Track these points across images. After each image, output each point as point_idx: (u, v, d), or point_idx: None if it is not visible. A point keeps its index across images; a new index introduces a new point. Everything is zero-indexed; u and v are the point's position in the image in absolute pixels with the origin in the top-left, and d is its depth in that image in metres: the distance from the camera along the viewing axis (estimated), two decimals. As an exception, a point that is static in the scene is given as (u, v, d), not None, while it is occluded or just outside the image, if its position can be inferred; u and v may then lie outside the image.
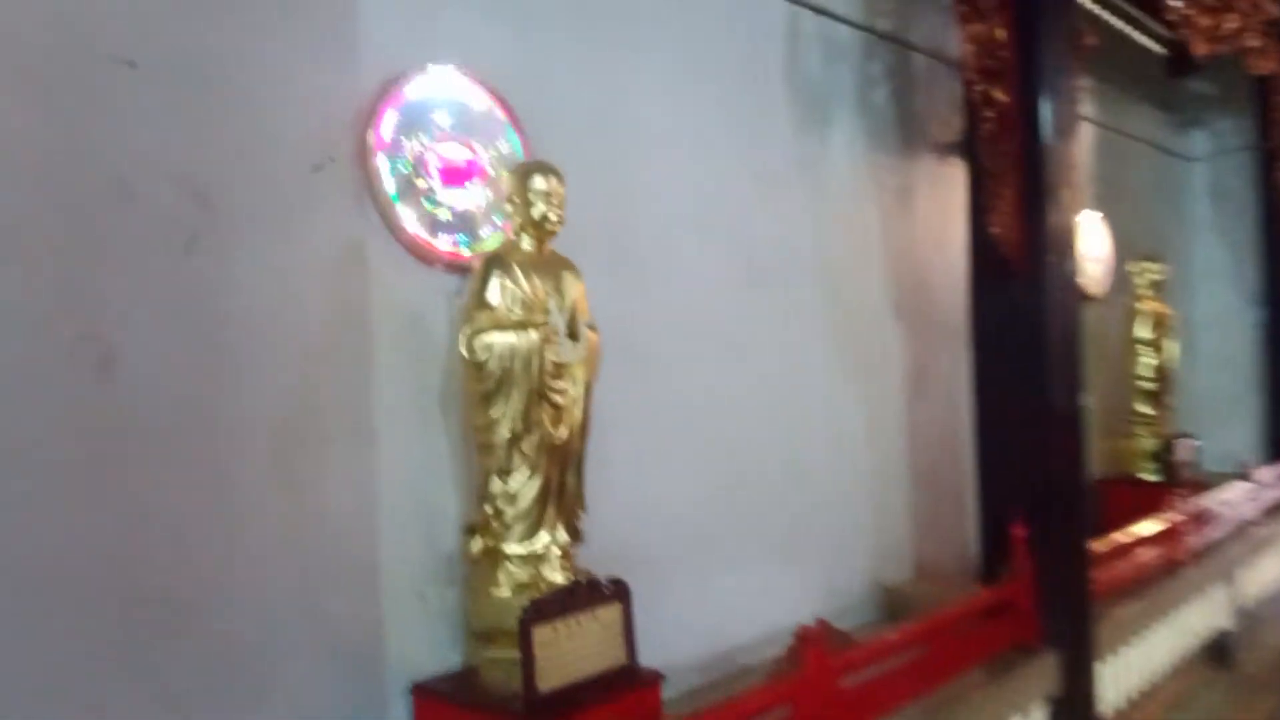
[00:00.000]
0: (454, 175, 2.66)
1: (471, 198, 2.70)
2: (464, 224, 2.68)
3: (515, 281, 2.38)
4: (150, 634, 2.13)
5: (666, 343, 3.40)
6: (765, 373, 3.78)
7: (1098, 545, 4.24)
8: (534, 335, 2.31)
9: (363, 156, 2.50)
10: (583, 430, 2.47)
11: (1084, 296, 5.97)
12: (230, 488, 2.27)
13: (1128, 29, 6.79)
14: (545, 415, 2.35)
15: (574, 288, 2.48)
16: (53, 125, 2.05)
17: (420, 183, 2.60)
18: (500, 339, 2.29)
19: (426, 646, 2.56)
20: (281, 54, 2.39)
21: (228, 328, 2.28)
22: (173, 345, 2.18)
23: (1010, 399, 3.87)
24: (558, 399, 2.36)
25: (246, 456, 2.30)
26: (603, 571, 2.50)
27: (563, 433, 2.39)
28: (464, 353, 2.31)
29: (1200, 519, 5.30)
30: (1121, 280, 6.13)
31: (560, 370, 2.37)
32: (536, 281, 2.42)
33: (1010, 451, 3.87)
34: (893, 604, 4.22)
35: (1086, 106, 6.20)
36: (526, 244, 2.46)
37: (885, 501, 4.36)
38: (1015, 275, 3.79)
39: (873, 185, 4.35)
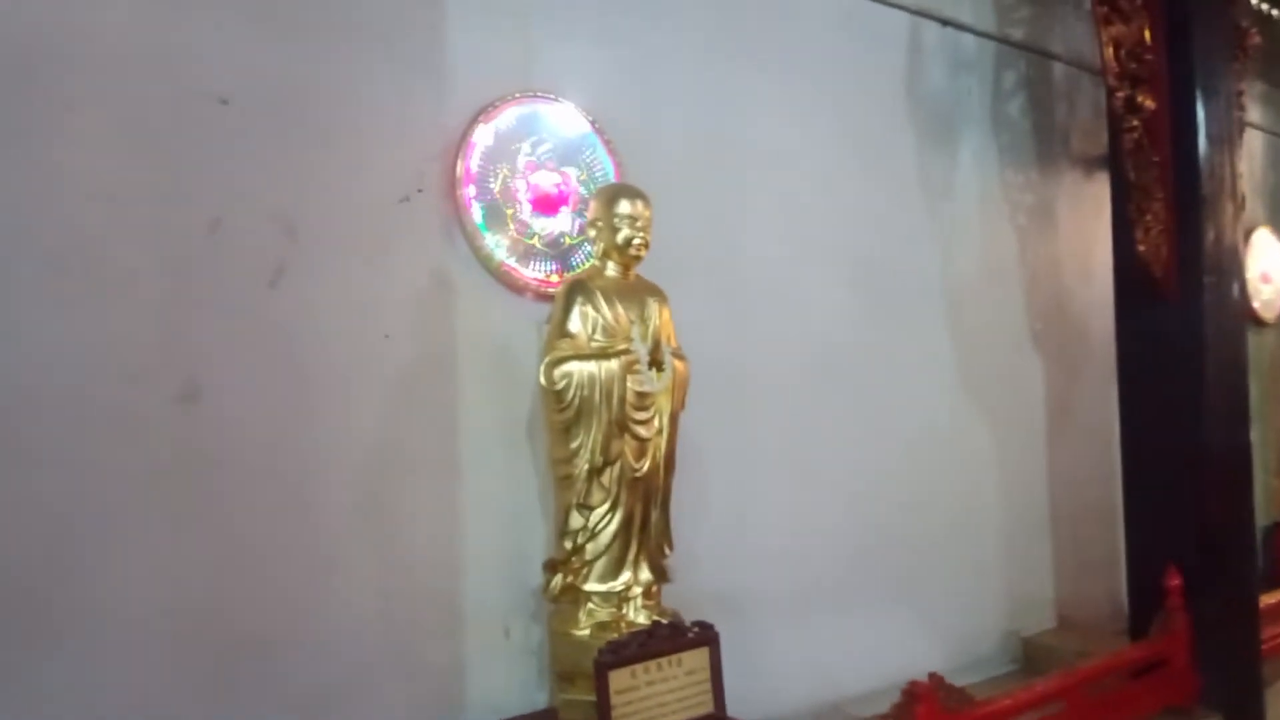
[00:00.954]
0: (545, 203, 2.62)
1: (563, 225, 2.65)
2: (556, 251, 2.63)
3: (597, 308, 2.30)
4: (239, 676, 2.14)
5: (776, 374, 3.25)
6: (885, 406, 3.57)
7: (1270, 598, 3.78)
8: (615, 364, 2.23)
9: (451, 187, 2.49)
10: (668, 464, 2.36)
11: (1254, 321, 5.44)
12: (316, 524, 2.27)
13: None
14: (627, 447, 2.25)
15: (659, 315, 2.38)
16: (151, 165, 2.12)
17: (510, 211, 2.56)
18: (580, 367, 2.21)
19: (512, 685, 2.49)
20: (370, 85, 2.41)
21: (314, 360, 2.29)
22: (257, 379, 2.20)
23: (1161, 436, 3.50)
24: (640, 430, 2.26)
25: (332, 492, 2.30)
26: (699, 615, 2.38)
27: (645, 466, 2.28)
28: (542, 381, 2.24)
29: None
30: (1302, 303, 5.54)
31: (643, 400, 2.27)
32: (620, 308, 2.33)
33: (1161, 494, 3.50)
34: (1032, 657, 3.88)
35: (1256, 113, 5.67)
36: (611, 270, 2.38)
37: (1024, 545, 4.03)
38: (1166, 298, 3.44)
39: (1006, 204, 4.07)
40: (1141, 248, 3.39)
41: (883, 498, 3.53)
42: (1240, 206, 3.72)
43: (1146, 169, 3.39)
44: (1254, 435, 5.58)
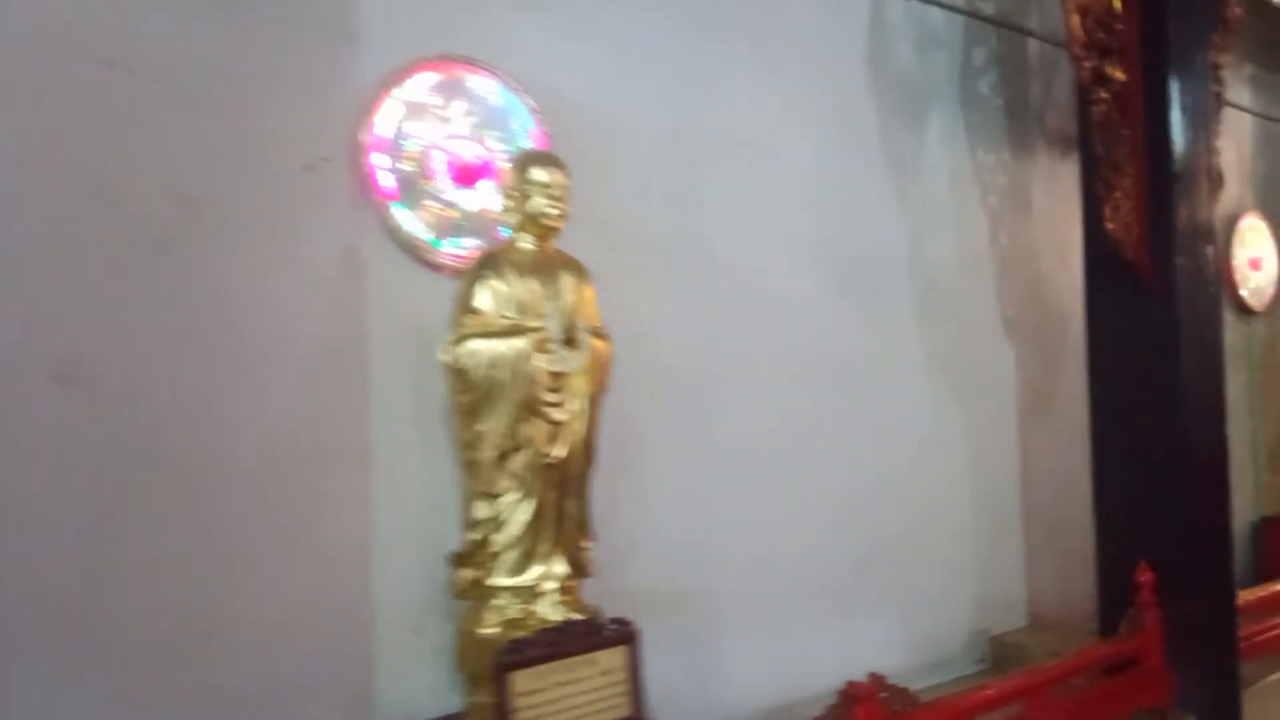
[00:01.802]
0: (466, 175, 2.47)
1: (486, 199, 2.50)
2: (476, 226, 2.48)
3: (508, 283, 2.15)
4: (137, 685, 2.00)
5: (741, 364, 3.11)
6: (851, 396, 3.41)
7: (1249, 597, 3.62)
8: (524, 341, 2.08)
9: (361, 155, 2.34)
10: (586, 450, 2.20)
11: (1243, 310, 5.27)
12: (215, 518, 2.12)
13: (1301, 11, 6.02)
14: (538, 431, 2.10)
15: (576, 290, 2.23)
16: (25, 130, 1.97)
17: (428, 183, 2.41)
18: (486, 345, 2.06)
19: (425, 686, 2.34)
20: (275, 49, 2.26)
21: (212, 339, 2.14)
22: (145, 358, 2.06)
23: (1134, 426, 3.33)
24: (552, 413, 2.11)
25: (233, 482, 2.15)
26: (647, 613, 2.24)
27: (559, 451, 2.13)
28: (446, 359, 2.09)
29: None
30: (1293, 292, 5.37)
31: (555, 381, 2.12)
32: (534, 283, 2.18)
33: (1134, 486, 3.33)
34: (1001, 656, 3.72)
35: (1247, 95, 5.50)
36: (527, 242, 2.23)
37: (995, 541, 3.87)
38: (1138, 281, 3.28)
39: (978, 185, 3.91)
40: (1111, 226, 3.22)
41: (850, 493, 3.38)
42: (1217, 185, 3.55)
43: (1116, 144, 3.23)
44: (1244, 428, 5.44)
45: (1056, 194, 4.13)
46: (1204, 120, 3.40)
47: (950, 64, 3.83)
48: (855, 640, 3.32)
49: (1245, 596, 3.60)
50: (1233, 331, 5.22)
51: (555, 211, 2.19)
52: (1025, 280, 4.06)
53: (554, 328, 2.12)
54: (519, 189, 2.20)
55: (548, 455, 2.11)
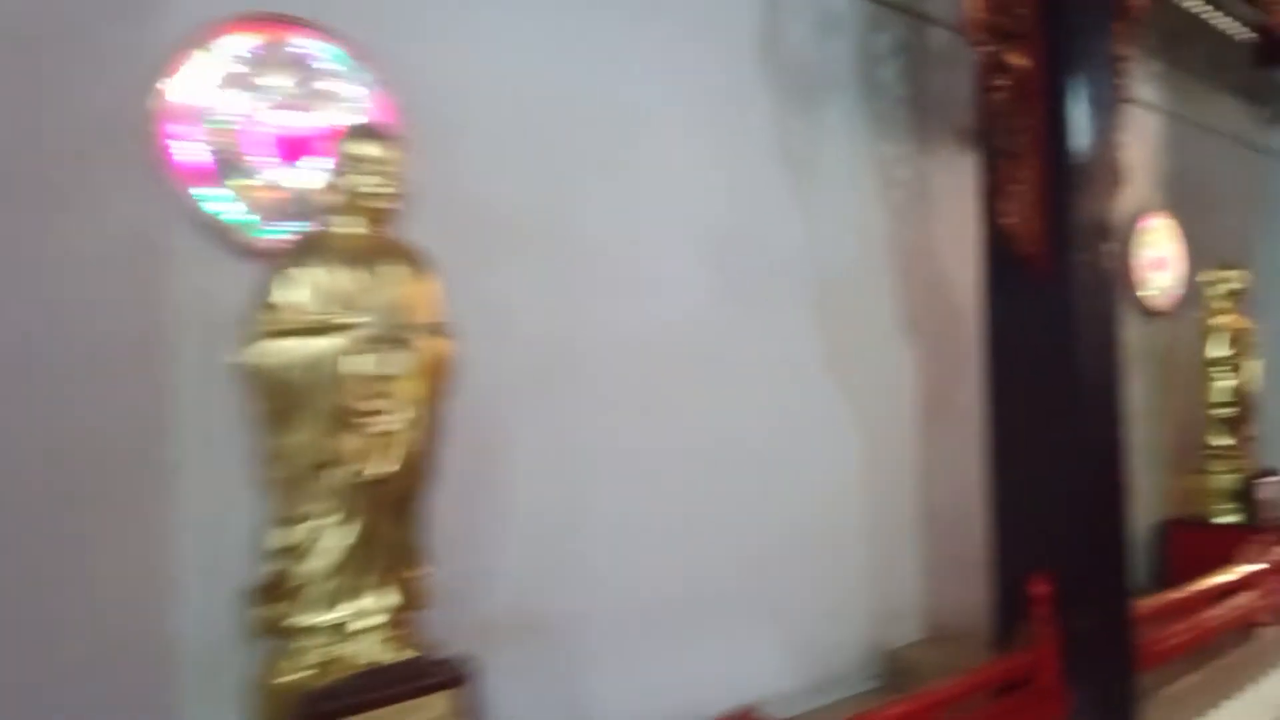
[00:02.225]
0: (291, 149, 2.17)
1: (314, 177, 2.20)
2: (306, 208, 2.18)
3: (330, 274, 1.86)
4: None
5: (611, 358, 2.86)
6: (737, 396, 3.20)
7: (1148, 604, 3.51)
8: (332, 341, 1.80)
9: (159, 125, 2.03)
10: (418, 466, 1.93)
11: (1148, 311, 5.23)
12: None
13: (1207, 10, 6.03)
14: (353, 444, 1.82)
15: (403, 281, 1.95)
16: None
17: (244, 159, 2.11)
18: (285, 346, 1.78)
19: (234, 732, 2.04)
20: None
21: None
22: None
23: (1030, 429, 3.19)
24: (372, 424, 1.83)
25: (8, 505, 1.83)
26: (504, 642, 1.98)
27: (381, 468, 1.86)
28: (244, 361, 1.80)
29: (1284, 570, 4.48)
30: (1196, 293, 5.34)
31: (379, 387, 1.84)
32: (363, 274, 1.90)
33: (1028, 492, 3.19)
34: (896, 672, 3.56)
35: (1154, 92, 5.46)
36: (353, 226, 1.95)
37: (892, 550, 3.71)
38: (1036, 277, 3.13)
39: (879, 178, 3.73)
40: (1009, 220, 3.07)
41: (734, 500, 3.17)
42: (1119, 180, 3.43)
43: (1015, 134, 3.07)
44: (1148, 430, 5.40)
45: (961, 189, 3.93)
46: (1106, 112, 3.26)
47: (851, 50, 3.64)
48: (741, 658, 3.12)
49: (1145, 605, 3.49)
50: (1137, 332, 5.18)
51: (384, 191, 1.91)
52: (928, 277, 3.90)
53: (376, 324, 1.84)
54: (343, 166, 1.92)
55: (366, 472, 1.83)
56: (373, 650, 1.85)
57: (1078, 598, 3.08)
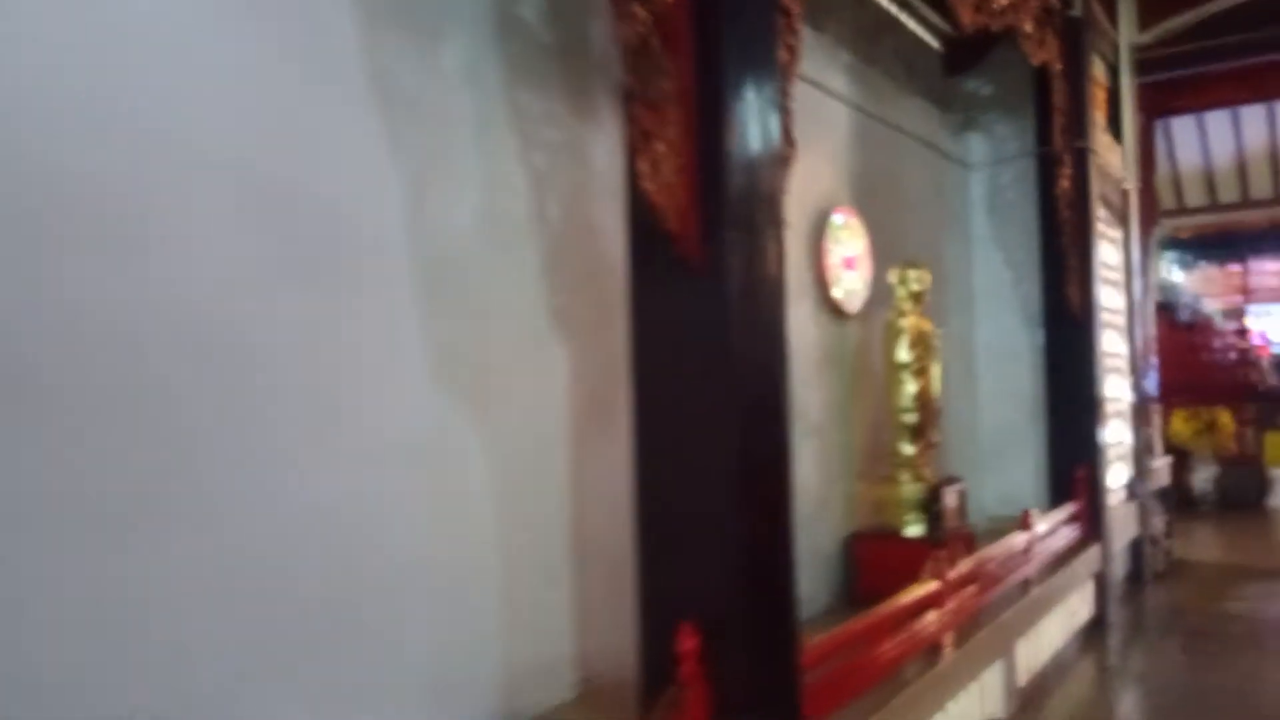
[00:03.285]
0: None
1: None
2: None
3: None
4: None
5: (111, 364, 1.99)
6: (316, 411, 2.40)
7: (819, 643, 3.05)
8: None
9: None
10: None
11: (837, 312, 4.94)
12: None
13: (902, 15, 5.92)
14: None
15: None
16: None
17: None
18: None
19: None
20: None
21: None
22: None
23: (679, 447, 2.63)
24: None
25: None
26: None
27: None
28: None
29: (967, 584, 4.27)
30: (885, 293, 5.13)
31: None
32: None
33: (679, 522, 2.63)
34: (534, 743, 2.90)
35: (844, 84, 5.21)
36: None
37: (535, 590, 3.03)
38: (685, 260, 2.56)
39: (518, 138, 3.07)
40: (648, 186, 2.48)
41: (307, 540, 2.36)
42: (788, 152, 2.96)
43: (656, 78, 2.49)
44: (838, 438, 5.14)
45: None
46: (769, 65, 2.76)
47: (479, -24, 2.96)
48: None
49: (815, 644, 3.03)
50: (826, 334, 4.87)
51: None
52: (584, 261, 3.27)
53: None
54: None
55: None
56: None
57: (733, 648, 2.53)
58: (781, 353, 2.74)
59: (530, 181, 3.08)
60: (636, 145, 2.46)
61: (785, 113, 2.93)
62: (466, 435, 2.83)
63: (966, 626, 4.16)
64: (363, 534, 2.48)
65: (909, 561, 4.37)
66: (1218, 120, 16.04)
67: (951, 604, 3.99)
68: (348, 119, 2.55)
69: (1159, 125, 14.10)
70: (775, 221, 2.76)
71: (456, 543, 2.76)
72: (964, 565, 4.25)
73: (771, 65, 2.77)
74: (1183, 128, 16.45)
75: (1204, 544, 9.04)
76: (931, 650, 3.85)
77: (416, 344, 2.67)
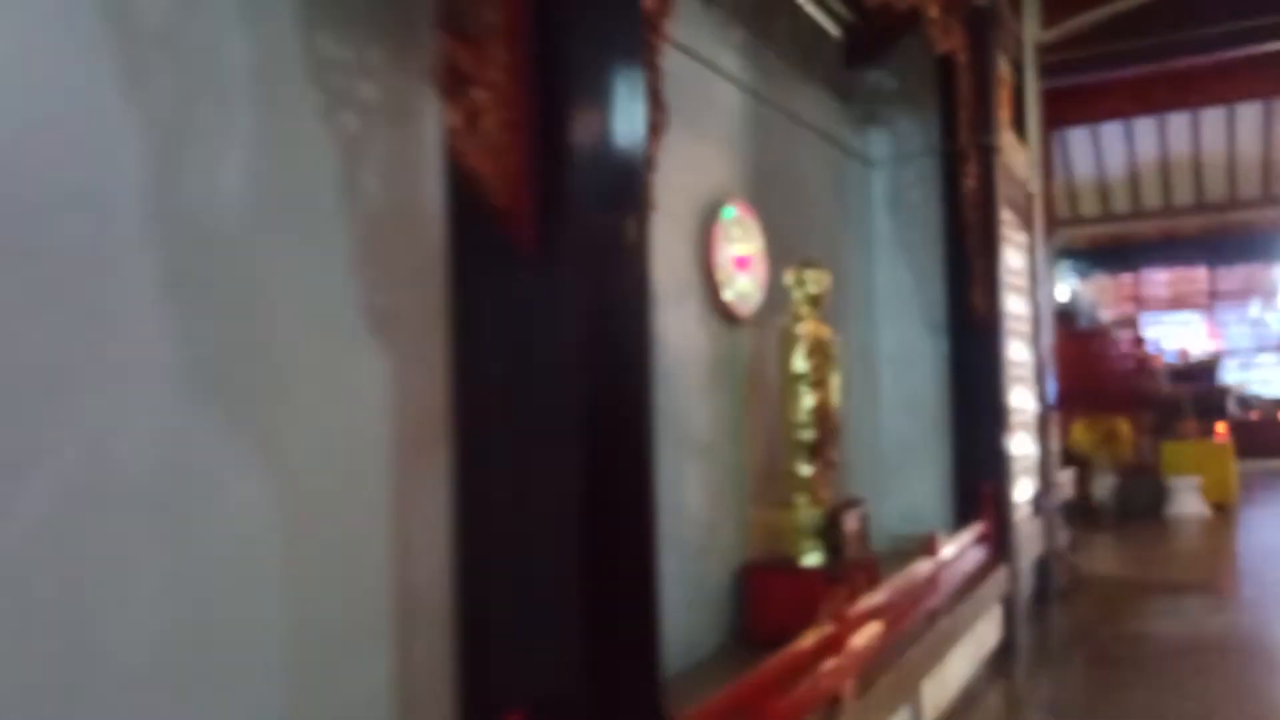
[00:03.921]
0: None
1: None
2: None
3: None
4: None
5: None
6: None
7: (694, 713, 2.50)
8: None
9: None
10: None
11: (728, 317, 4.43)
12: None
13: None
14: None
15: None
16: None
17: None
18: None
19: None
20: None
21: None
22: None
23: (514, 470, 2.06)
24: None
25: None
26: None
27: None
28: None
29: (869, 621, 3.79)
30: (781, 299, 4.64)
31: None
32: None
33: (513, 564, 2.06)
34: None
35: (736, 64, 4.72)
36: None
37: (338, 664, 2.40)
38: (516, 244, 1.99)
39: (320, 93, 2.44)
40: (465, 148, 1.90)
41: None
42: (659, 116, 2.42)
43: (476, 4, 1.92)
44: (730, 457, 4.63)
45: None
46: (630, 5, 2.22)
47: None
48: None
49: (693, 714, 2.48)
50: (716, 342, 4.36)
51: None
52: (412, 249, 2.65)
53: None
54: None
55: None
56: None
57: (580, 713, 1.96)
58: (643, 361, 2.19)
59: (338, 148, 2.46)
60: (449, 91, 1.87)
61: (653, 70, 2.39)
62: (235, 469, 2.19)
63: (869, 670, 3.68)
64: (56, 602, 1.83)
65: (806, 595, 3.90)
66: (1111, 132, 16.28)
67: (851, 647, 3.50)
68: (68, 55, 1.90)
69: (1055, 136, 14.21)
70: (637, 201, 2.21)
71: (215, 613, 2.11)
72: (866, 601, 3.77)
73: (633, 6, 2.22)
74: (1078, 139, 16.67)
75: (1106, 558, 8.88)
76: (830, 702, 3.36)
77: (159, 348, 2.03)
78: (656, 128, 2.42)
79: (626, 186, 2.18)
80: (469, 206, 1.99)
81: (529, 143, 1.96)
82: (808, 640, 3.27)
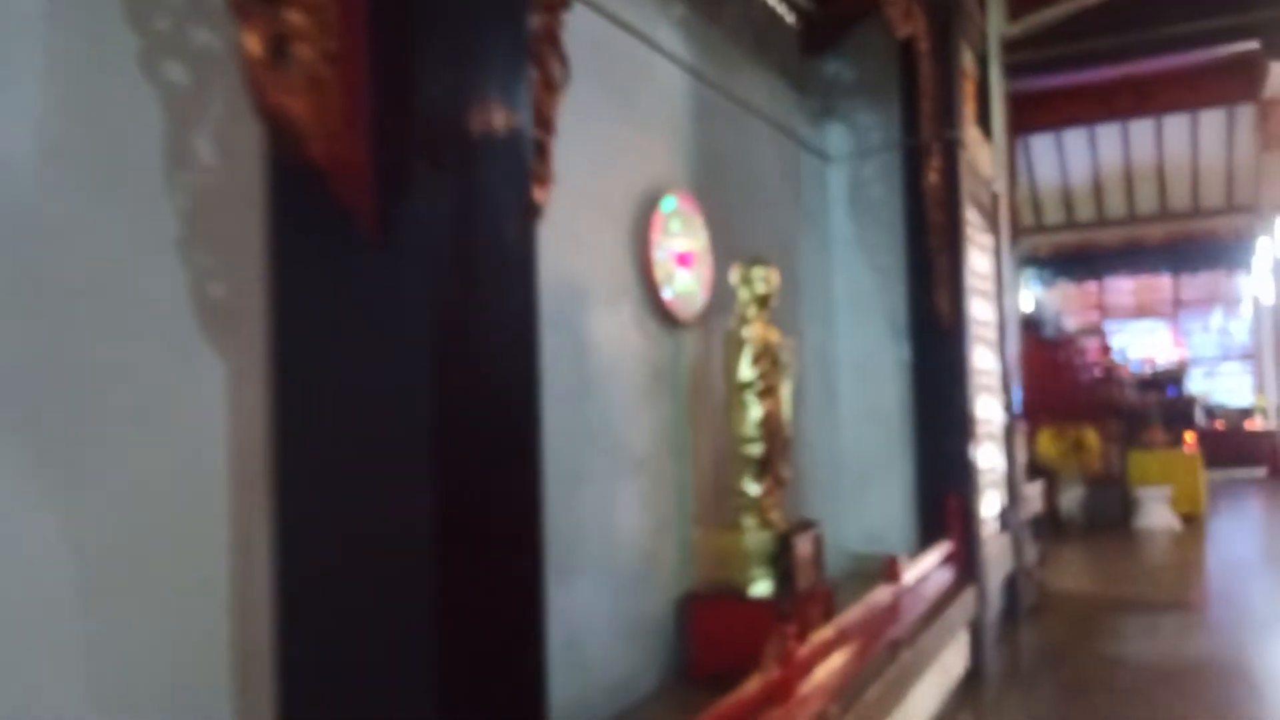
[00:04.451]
0: None
1: None
2: None
3: None
4: None
5: None
6: None
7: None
8: None
9: None
10: None
11: (669, 319, 4.00)
12: None
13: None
14: None
15: None
16: None
17: None
18: None
19: None
20: None
21: None
22: None
23: (353, 489, 1.62)
24: None
25: None
26: None
27: None
28: None
29: (822, 659, 3.37)
30: (727, 299, 4.23)
31: None
32: None
33: (349, 608, 1.61)
34: None
35: (680, 44, 4.31)
36: None
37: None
38: (350, 219, 1.55)
39: (136, 36, 1.99)
40: (282, 99, 1.46)
41: None
42: (558, 71, 2.00)
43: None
44: (670, 473, 4.22)
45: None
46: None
47: None
48: None
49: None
50: (654, 346, 3.93)
51: None
52: (258, 228, 2.20)
53: None
54: None
55: None
56: None
57: None
58: (526, 361, 1.76)
59: (161, 106, 2.01)
60: (245, 9, 1.43)
61: (550, 8, 1.97)
62: (19, 504, 1.72)
63: (823, 716, 3.26)
64: None
65: (754, 628, 3.46)
66: (1075, 138, 16.11)
67: (801, 693, 3.08)
68: None
69: (1019, 142, 13.99)
70: (521, 164, 1.78)
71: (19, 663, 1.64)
72: (818, 637, 3.35)
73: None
74: (1042, 145, 16.48)
75: (1075, 572, 8.55)
76: (775, 757, 2.93)
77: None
78: (551, 81, 1.99)
79: (506, 146, 1.75)
80: (291, 171, 1.55)
81: (362, 82, 1.52)
82: (749, 688, 2.84)
